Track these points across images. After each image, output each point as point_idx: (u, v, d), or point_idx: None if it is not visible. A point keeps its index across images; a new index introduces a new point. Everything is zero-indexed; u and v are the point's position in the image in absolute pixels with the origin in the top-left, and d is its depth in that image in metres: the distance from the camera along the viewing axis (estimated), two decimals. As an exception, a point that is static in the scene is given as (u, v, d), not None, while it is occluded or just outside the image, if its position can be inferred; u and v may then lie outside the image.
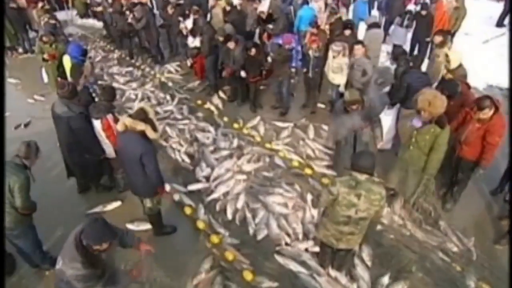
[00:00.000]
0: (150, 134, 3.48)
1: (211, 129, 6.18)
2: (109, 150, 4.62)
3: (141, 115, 3.48)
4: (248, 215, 4.42)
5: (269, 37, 7.07)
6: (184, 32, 7.81)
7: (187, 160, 5.52)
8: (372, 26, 7.10)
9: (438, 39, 5.85)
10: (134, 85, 8.03)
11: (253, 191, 4.80)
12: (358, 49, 5.60)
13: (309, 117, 6.67)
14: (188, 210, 4.66)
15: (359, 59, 5.60)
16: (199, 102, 7.23)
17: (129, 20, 8.67)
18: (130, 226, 4.38)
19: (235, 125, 6.40)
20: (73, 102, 4.28)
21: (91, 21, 12.41)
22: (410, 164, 4.16)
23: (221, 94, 7.56)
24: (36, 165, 3.59)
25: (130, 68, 8.95)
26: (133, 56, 9.51)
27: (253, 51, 6.19)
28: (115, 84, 8.12)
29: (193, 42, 7.53)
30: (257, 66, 6.40)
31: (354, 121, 4.37)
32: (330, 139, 4.81)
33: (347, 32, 6.40)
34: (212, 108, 7.07)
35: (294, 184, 4.93)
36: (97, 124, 4.41)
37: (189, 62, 7.77)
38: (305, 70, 6.40)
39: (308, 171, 5.23)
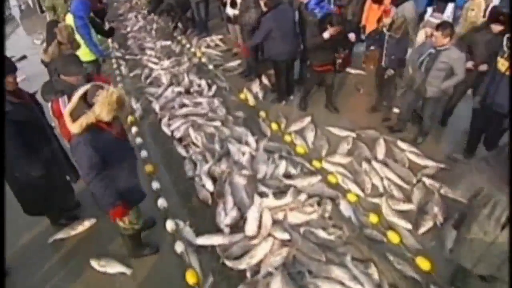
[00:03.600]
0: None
1: (251, 140, 4.28)
2: None
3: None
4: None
5: (339, 10, 5.50)
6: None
7: (208, 186, 3.72)
8: None
9: None
10: (166, 63, 6.35)
11: (297, 270, 2.85)
12: (440, 37, 3.53)
13: (379, 127, 4.60)
14: (191, 278, 2.88)
15: (447, 51, 3.56)
16: (242, 96, 5.37)
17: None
18: (94, 264, 3.03)
19: (287, 138, 4.46)
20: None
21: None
22: None
23: (264, 79, 5.73)
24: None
25: (168, 42, 7.31)
26: (176, 28, 7.88)
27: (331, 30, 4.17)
28: (144, 61, 6.58)
29: (232, 11, 5.88)
30: (333, 49, 4.37)
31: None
32: (466, 190, 2.57)
33: (497, 27, 3.79)
34: (250, 97, 5.29)
35: (369, 264, 2.91)
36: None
37: None
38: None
39: (393, 237, 3.16)
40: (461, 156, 4.07)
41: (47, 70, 3.96)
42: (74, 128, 2.19)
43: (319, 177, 3.72)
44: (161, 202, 3.55)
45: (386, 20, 4.15)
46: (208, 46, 7.05)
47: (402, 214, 3.39)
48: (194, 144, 4.37)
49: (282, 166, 3.84)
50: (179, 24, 7.74)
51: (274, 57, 4.79)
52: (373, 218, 3.35)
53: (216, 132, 4.46)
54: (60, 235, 3.35)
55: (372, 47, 4.72)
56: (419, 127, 4.34)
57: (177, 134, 4.55)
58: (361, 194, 3.63)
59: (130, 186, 2.58)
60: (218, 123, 4.61)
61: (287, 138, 4.43)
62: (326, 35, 4.25)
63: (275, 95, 5.33)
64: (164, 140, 4.57)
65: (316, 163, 4.01)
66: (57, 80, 2.95)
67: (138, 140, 4.53)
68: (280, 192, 3.51)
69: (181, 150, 4.29)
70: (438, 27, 3.57)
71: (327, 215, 3.33)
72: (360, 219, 3.36)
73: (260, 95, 5.44)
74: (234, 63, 6.35)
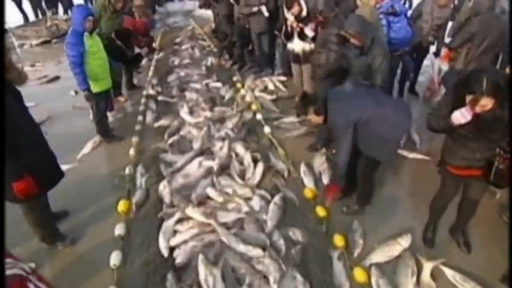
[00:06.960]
0: None
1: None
2: None
3: None
4: None
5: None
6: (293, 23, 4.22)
7: None
8: None
9: None
10: (206, 115, 4.45)
11: None
12: None
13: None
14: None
15: None
16: (308, 194, 3.19)
17: (255, 9, 5.34)
18: None
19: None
20: None
21: (210, 13, 9.64)
22: None
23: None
24: None
25: (218, 84, 5.50)
26: (235, 64, 6.20)
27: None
28: (178, 106, 4.83)
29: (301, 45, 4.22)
30: (485, 141, 2.09)
31: None
32: None
33: None
34: (319, 200, 3.07)
35: None
36: None
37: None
38: None
39: None
40: None
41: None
42: None
43: None
44: None
45: None
46: (265, 89, 5.20)
47: None
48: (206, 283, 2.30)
49: None
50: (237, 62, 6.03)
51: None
52: None
53: (247, 271, 2.36)
54: None
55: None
56: None
57: (178, 259, 2.52)
58: None
59: None
60: (255, 252, 2.50)
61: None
62: (458, 117, 2.00)
63: (353, 199, 3.02)
64: (156, 265, 2.55)
65: None
66: None
67: (115, 256, 2.56)
68: None
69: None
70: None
71: None
72: None
73: (325, 178, 3.32)
74: (295, 119, 4.33)
